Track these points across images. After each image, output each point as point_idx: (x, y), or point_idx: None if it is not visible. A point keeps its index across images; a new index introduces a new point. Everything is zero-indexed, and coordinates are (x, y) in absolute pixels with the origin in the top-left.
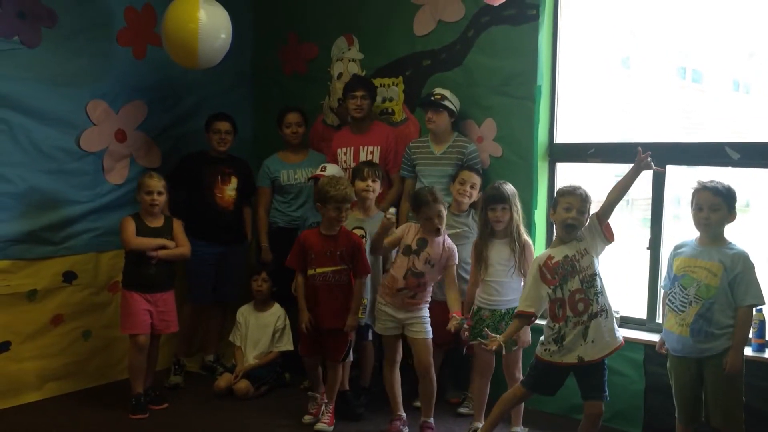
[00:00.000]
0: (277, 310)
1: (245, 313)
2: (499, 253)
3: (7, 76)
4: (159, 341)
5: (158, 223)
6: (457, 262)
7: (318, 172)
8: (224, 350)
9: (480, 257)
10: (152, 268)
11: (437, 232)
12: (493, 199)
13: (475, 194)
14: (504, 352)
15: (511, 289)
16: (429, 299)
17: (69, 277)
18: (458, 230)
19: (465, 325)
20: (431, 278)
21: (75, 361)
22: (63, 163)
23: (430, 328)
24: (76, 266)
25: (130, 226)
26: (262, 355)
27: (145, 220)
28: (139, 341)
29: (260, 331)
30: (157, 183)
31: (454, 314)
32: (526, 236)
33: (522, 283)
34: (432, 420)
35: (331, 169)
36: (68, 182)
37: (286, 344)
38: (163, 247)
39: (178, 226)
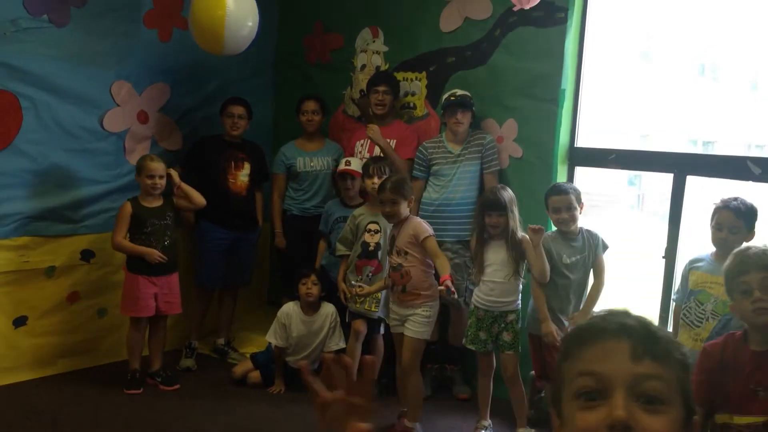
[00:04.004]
0: (326, 310)
1: (291, 314)
2: (496, 254)
3: (35, 53)
4: (165, 322)
5: (158, 202)
6: (429, 234)
7: (342, 167)
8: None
9: (476, 258)
10: (160, 251)
11: (389, 218)
12: (490, 205)
13: None
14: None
15: (507, 291)
16: (430, 294)
17: (87, 255)
18: None
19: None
20: (414, 266)
21: (89, 338)
22: (85, 143)
23: (424, 329)
24: (94, 245)
25: (122, 222)
26: (308, 359)
27: (143, 201)
28: (140, 322)
29: (310, 337)
30: (158, 166)
31: (444, 281)
32: (521, 234)
33: (520, 285)
34: (417, 426)
35: (355, 163)
36: (90, 161)
37: (339, 342)
38: (163, 261)
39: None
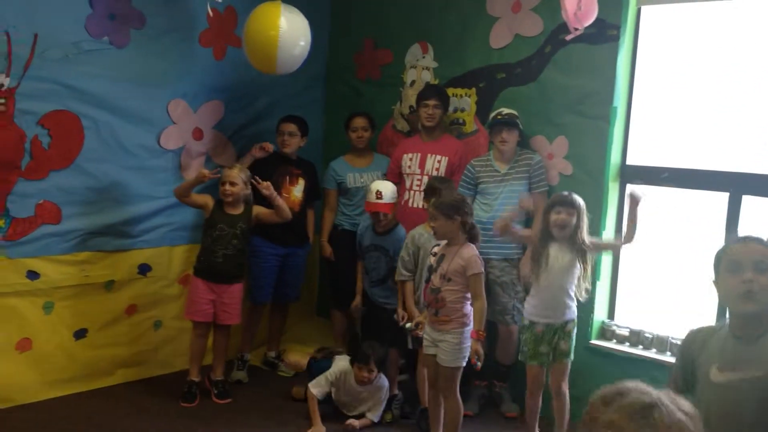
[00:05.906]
0: (379, 383)
1: (347, 378)
2: (558, 259)
3: (96, 75)
4: (227, 331)
5: (237, 210)
6: (478, 272)
7: (374, 200)
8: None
9: (538, 259)
10: (220, 257)
11: (434, 234)
12: (560, 201)
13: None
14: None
15: (567, 297)
16: (464, 322)
17: (144, 269)
18: None
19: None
20: (451, 294)
21: (145, 350)
22: (143, 160)
23: (455, 357)
24: (150, 259)
25: (198, 195)
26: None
27: (224, 206)
28: (198, 327)
29: (353, 399)
30: (231, 174)
31: (475, 352)
32: (590, 238)
33: (575, 292)
34: None
35: (387, 194)
36: (148, 178)
37: (377, 414)
38: (213, 177)
39: (259, 207)
